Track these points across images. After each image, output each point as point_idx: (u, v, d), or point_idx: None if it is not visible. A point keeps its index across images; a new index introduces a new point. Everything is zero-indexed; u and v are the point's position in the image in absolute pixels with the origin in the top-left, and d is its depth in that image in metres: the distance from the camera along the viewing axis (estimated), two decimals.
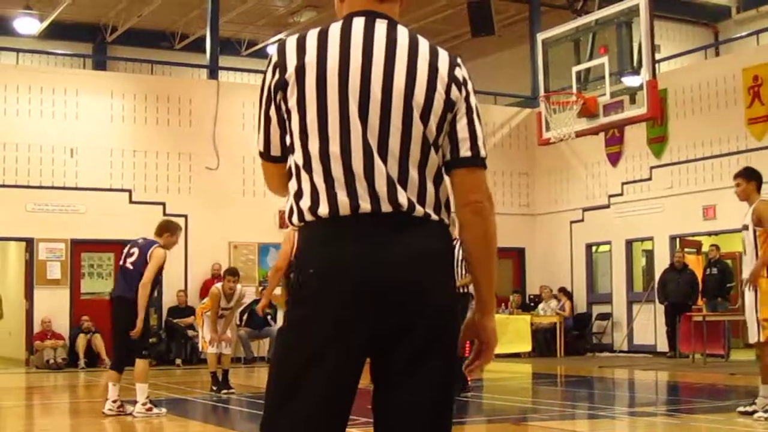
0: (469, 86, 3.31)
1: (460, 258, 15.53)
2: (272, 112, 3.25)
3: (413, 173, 3.17)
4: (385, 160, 3.13)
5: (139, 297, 11.92)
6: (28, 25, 27.48)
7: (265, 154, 3.35)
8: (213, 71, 24.86)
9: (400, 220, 3.13)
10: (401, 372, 3.14)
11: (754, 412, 10.89)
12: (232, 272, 15.75)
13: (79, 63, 28.54)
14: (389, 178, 3.12)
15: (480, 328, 3.36)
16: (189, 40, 29.65)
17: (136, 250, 12.23)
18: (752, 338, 11.05)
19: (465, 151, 3.26)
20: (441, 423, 3.22)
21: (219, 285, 15.55)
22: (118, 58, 28.63)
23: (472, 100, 3.31)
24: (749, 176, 11.28)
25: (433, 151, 3.22)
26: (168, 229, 12.70)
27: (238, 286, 15.60)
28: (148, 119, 23.31)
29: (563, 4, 21.25)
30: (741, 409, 11.17)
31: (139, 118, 23.25)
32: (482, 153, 3.28)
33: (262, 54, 30.54)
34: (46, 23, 27.22)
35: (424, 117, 3.19)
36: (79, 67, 28.00)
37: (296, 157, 3.19)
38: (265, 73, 3.29)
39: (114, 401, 12.17)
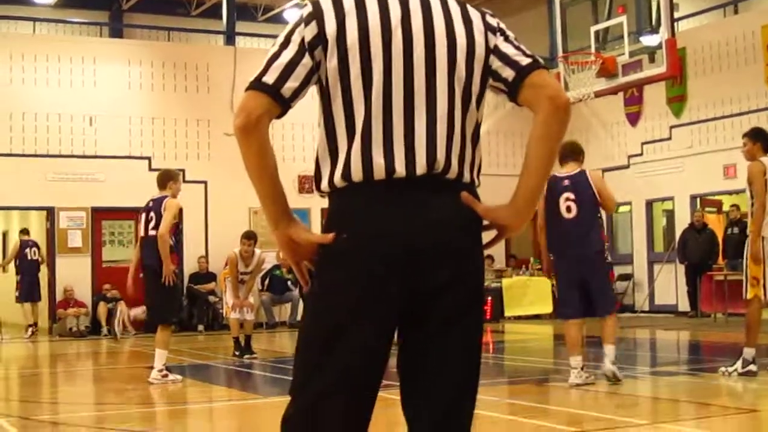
0: (503, 27, 3.29)
1: None
2: (305, 61, 3.10)
3: (456, 131, 3.14)
4: (429, 118, 3.10)
5: (161, 246, 11.80)
6: None
7: (271, 89, 3.09)
8: (230, 37, 24.85)
9: (434, 183, 3.10)
10: (434, 332, 3.14)
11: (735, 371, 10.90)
12: (249, 236, 15.64)
13: (96, 31, 28.50)
14: (430, 137, 3.09)
15: (500, 216, 3.23)
16: (205, 6, 29.54)
17: (152, 215, 12.11)
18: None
19: (525, 60, 3.21)
20: (472, 378, 3.24)
21: (236, 250, 15.52)
22: (135, 26, 28.60)
23: (510, 34, 3.28)
24: (755, 137, 11.25)
25: (474, 106, 3.21)
26: (170, 177, 12.60)
27: (257, 250, 15.58)
28: (165, 86, 23.34)
29: None
30: (722, 369, 11.14)
31: (156, 85, 23.28)
32: (539, 59, 3.23)
33: (279, 19, 30.41)
34: None
35: (469, 69, 3.17)
36: (96, 35, 27.97)
37: (336, 121, 3.13)
38: (297, 24, 3.16)
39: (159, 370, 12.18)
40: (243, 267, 15.47)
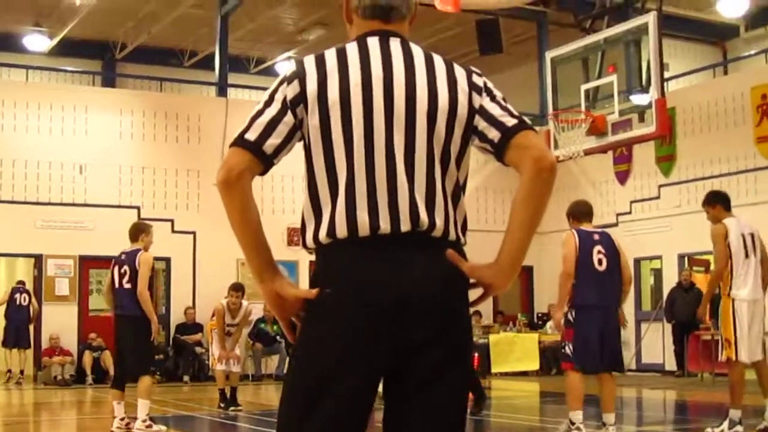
0: (490, 87, 3.31)
1: None
2: (287, 119, 3.16)
3: (437, 190, 3.16)
4: (409, 177, 3.12)
5: (143, 303, 11.87)
6: (37, 42, 27.58)
7: (253, 146, 3.15)
8: (222, 89, 24.94)
9: (418, 240, 3.12)
10: (418, 389, 3.14)
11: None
12: (236, 287, 15.60)
13: (89, 80, 28.63)
14: (412, 196, 3.11)
15: (485, 275, 3.21)
16: (198, 57, 29.72)
17: (126, 268, 12.14)
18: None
19: (511, 121, 3.22)
20: None
21: (224, 301, 15.49)
22: (128, 75, 28.74)
23: (497, 93, 3.30)
24: (711, 201, 11.41)
25: (453, 166, 3.22)
26: (142, 230, 12.61)
27: (244, 302, 15.56)
28: (156, 136, 23.38)
29: (572, 22, 21.26)
30: (709, 429, 11.12)
31: (147, 135, 23.32)
32: (525, 119, 3.24)
33: (270, 72, 30.62)
34: (55, 40, 27.33)
35: (449, 129, 3.18)
36: (89, 84, 28.09)
37: (318, 179, 3.16)
38: (280, 82, 3.22)
39: (122, 419, 12.17)
40: (230, 319, 15.44)
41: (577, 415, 10.33)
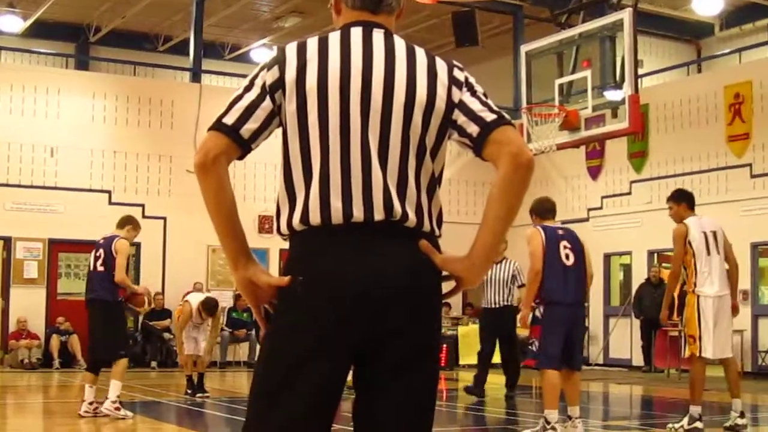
0: (471, 82, 3.32)
1: (509, 276, 15.63)
2: (266, 104, 3.18)
3: (410, 181, 3.17)
4: (383, 167, 3.13)
5: (126, 286, 12.26)
6: (11, 23, 27.36)
7: (231, 130, 3.16)
8: (196, 74, 24.84)
9: (391, 230, 3.13)
10: (387, 378, 3.15)
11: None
12: (210, 310, 15.09)
13: (62, 62, 28.48)
14: (386, 185, 3.12)
15: (457, 268, 3.23)
16: (172, 42, 29.59)
17: (101, 251, 12.25)
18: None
19: (490, 116, 3.22)
20: (425, 428, 3.24)
21: (195, 303, 15.20)
22: (101, 59, 28.57)
23: (478, 88, 3.31)
24: (677, 199, 11.64)
25: (429, 159, 3.22)
26: (131, 222, 12.81)
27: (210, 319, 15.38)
28: (129, 120, 23.27)
29: (547, 17, 21.30)
30: (670, 425, 11.18)
31: (120, 119, 23.21)
32: (505, 115, 3.24)
33: (245, 58, 30.52)
34: (29, 22, 27.11)
35: (425, 121, 3.19)
36: (62, 66, 27.95)
37: (293, 165, 3.18)
38: (261, 68, 3.25)
39: (90, 403, 12.14)
40: (199, 320, 15.21)
41: (553, 414, 10.24)
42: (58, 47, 28.98)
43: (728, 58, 26.37)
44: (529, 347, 10.98)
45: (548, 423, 10.22)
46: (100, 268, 12.17)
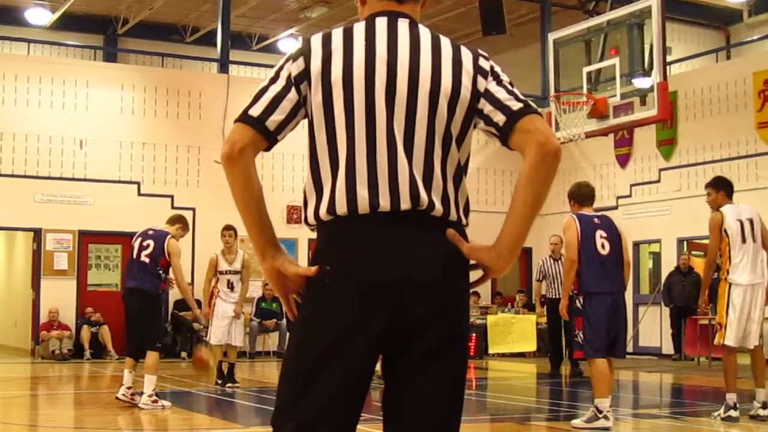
0: (497, 71, 3.31)
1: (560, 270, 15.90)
2: (291, 96, 3.19)
3: (436, 171, 3.16)
4: (409, 156, 3.13)
5: (184, 295, 13.09)
6: (39, 15, 27.53)
7: (257, 121, 3.18)
8: (223, 65, 24.88)
9: (418, 219, 3.13)
10: (415, 367, 3.15)
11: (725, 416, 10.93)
12: (228, 226, 15.30)
13: (90, 55, 28.58)
14: (412, 175, 3.12)
15: (484, 257, 3.22)
16: (200, 33, 29.66)
17: (151, 243, 12.35)
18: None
19: (517, 105, 3.21)
20: (454, 417, 3.25)
21: (217, 252, 15.50)
22: (129, 51, 28.67)
23: (504, 77, 3.30)
24: (717, 186, 11.54)
25: (455, 148, 3.22)
26: (181, 222, 12.96)
27: (240, 251, 15.42)
28: (157, 112, 23.34)
29: (575, 4, 21.23)
30: (713, 413, 11.15)
31: (148, 110, 23.28)
32: (531, 104, 3.23)
33: (272, 49, 30.56)
34: (57, 14, 27.25)
35: (451, 111, 3.19)
36: (90, 58, 28.05)
37: (319, 156, 3.19)
38: (286, 60, 3.25)
39: (128, 387, 12.25)
40: (226, 264, 15.30)
41: (604, 403, 10.25)
42: (86, 39, 29.07)
43: (757, 44, 26.21)
44: (575, 339, 10.97)
45: (600, 411, 10.21)
46: (145, 259, 12.30)
